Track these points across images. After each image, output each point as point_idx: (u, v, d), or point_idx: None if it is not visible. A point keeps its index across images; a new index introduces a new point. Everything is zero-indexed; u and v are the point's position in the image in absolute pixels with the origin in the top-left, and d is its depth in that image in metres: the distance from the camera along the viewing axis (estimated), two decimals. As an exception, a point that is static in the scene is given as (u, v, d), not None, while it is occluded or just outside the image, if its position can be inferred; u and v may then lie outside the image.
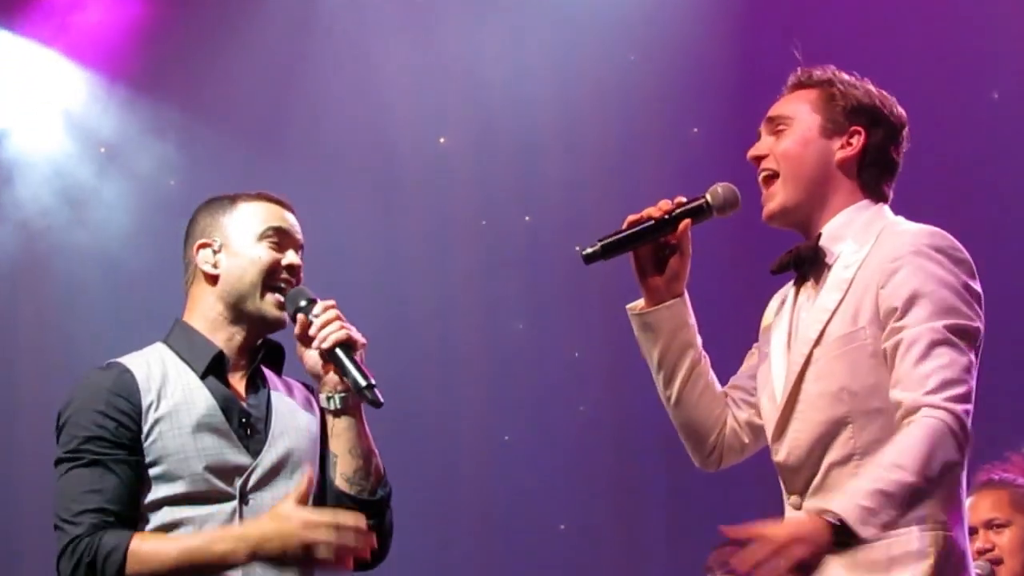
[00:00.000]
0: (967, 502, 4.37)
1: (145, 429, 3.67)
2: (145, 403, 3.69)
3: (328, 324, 3.72)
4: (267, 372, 3.87)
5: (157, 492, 3.68)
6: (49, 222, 8.86)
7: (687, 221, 3.65)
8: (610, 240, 3.66)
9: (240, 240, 3.83)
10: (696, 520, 8.02)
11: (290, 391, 3.92)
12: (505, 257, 8.71)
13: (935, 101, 7.29)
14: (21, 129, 9.03)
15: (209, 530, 3.66)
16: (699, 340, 3.74)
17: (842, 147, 3.56)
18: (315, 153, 8.91)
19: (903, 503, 3.21)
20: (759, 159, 3.65)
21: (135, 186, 8.85)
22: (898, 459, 3.23)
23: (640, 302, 3.75)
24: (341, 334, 3.72)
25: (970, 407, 3.30)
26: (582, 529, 8.59)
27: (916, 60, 7.84)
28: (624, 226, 3.68)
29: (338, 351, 3.71)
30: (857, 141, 3.56)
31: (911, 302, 3.35)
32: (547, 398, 8.35)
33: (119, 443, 3.66)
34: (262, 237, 3.82)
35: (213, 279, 3.83)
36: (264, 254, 3.80)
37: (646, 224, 3.65)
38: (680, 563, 7.94)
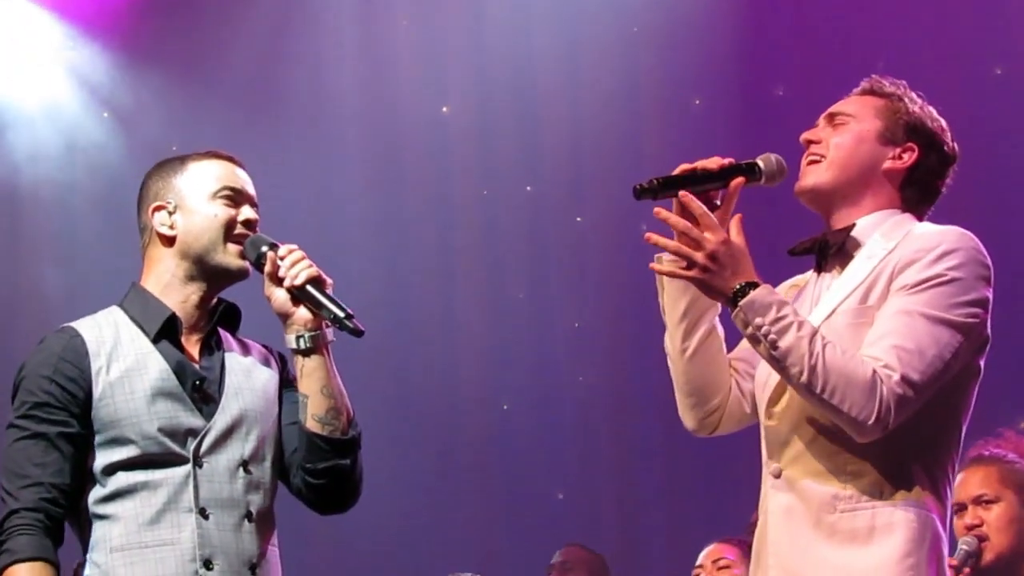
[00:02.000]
0: (958, 477, 4.46)
1: (96, 394, 3.72)
2: (94, 367, 3.73)
3: (298, 263, 3.76)
4: (223, 334, 3.90)
5: (111, 456, 3.73)
6: (48, 170, 9.04)
7: (741, 179, 3.69)
8: (667, 178, 3.63)
9: (195, 199, 3.85)
10: (694, 489, 8.11)
11: (246, 351, 3.95)
12: (506, 227, 8.77)
13: (942, 76, 7.38)
14: (28, 90, 9.22)
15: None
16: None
17: (893, 157, 3.66)
18: (317, 121, 8.98)
19: (783, 346, 3.34)
20: (811, 142, 3.73)
21: (138, 147, 8.91)
22: (824, 343, 3.35)
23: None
24: (312, 271, 3.75)
25: (911, 393, 3.37)
26: (580, 497, 8.68)
27: (927, 34, 7.98)
28: (677, 171, 3.69)
29: (310, 287, 3.74)
30: (908, 157, 3.67)
31: (915, 286, 3.45)
32: (547, 367, 8.44)
33: (65, 408, 3.70)
34: (216, 195, 3.85)
35: (170, 240, 3.85)
36: (220, 211, 3.83)
37: (698, 173, 3.67)
38: (678, 531, 8.02)
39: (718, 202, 3.66)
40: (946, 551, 3.54)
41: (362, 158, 8.91)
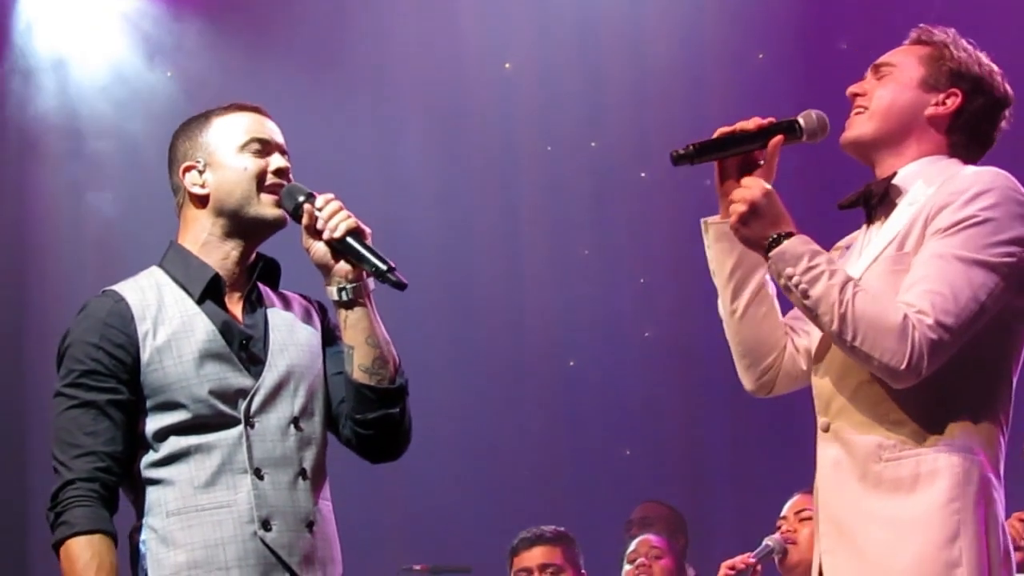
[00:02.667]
0: None
1: (144, 359, 3.72)
2: (141, 332, 3.73)
3: (336, 214, 3.73)
4: (264, 289, 3.90)
5: (162, 421, 3.74)
6: (109, 128, 9.35)
7: (779, 137, 3.72)
8: (703, 143, 3.67)
9: (223, 154, 3.82)
10: (760, 443, 8.15)
11: (288, 305, 3.94)
12: (571, 183, 8.82)
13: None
14: (96, 50, 9.45)
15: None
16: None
17: (936, 104, 3.68)
18: (380, 80, 9.03)
19: (813, 295, 3.43)
20: (856, 96, 3.77)
21: (201, 107, 8.87)
22: (855, 290, 3.42)
23: (718, 216, 3.84)
24: (351, 222, 3.72)
25: (947, 336, 3.41)
26: (647, 454, 8.75)
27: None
28: (715, 135, 3.73)
29: (350, 239, 3.71)
30: (952, 102, 3.68)
31: (948, 229, 3.47)
32: (612, 323, 8.49)
33: (114, 376, 3.71)
34: (244, 147, 3.81)
35: (203, 199, 3.83)
36: (250, 163, 3.80)
37: (737, 136, 3.71)
38: (744, 487, 8.06)
39: (761, 162, 3.70)
40: (999, 496, 3.55)
41: (426, 117, 8.97)
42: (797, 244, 3.48)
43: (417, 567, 7.41)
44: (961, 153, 3.71)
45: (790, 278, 3.46)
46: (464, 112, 9.08)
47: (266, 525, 3.67)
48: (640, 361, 8.72)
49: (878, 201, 3.67)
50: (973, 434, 3.51)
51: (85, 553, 3.64)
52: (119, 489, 3.71)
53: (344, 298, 3.74)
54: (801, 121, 3.70)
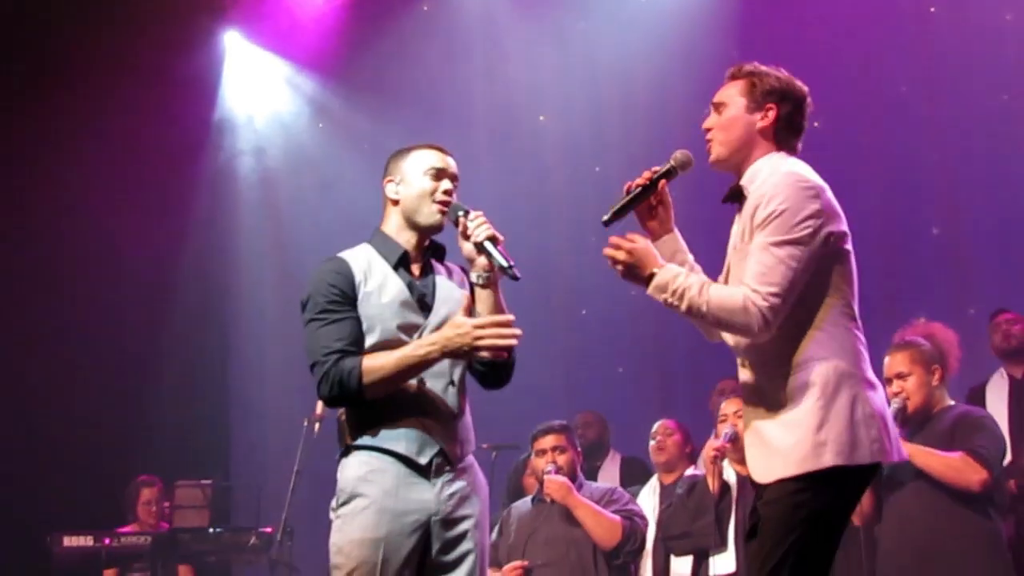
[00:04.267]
0: (885, 360, 5.88)
1: (359, 298, 4.29)
2: (357, 281, 4.30)
3: (480, 225, 4.25)
4: (434, 262, 4.48)
5: (365, 340, 4.30)
6: (279, 164, 11.00)
7: (663, 181, 4.16)
8: (618, 207, 4.11)
9: (411, 175, 4.42)
10: (714, 359, 6.90)
11: (450, 274, 4.48)
12: (586, 190, 9.86)
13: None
14: (263, 109, 11.34)
15: (409, 343, 4.27)
16: (691, 257, 4.30)
17: (762, 119, 4.06)
18: (459, 119, 10.46)
19: (683, 307, 3.88)
20: (707, 130, 4.13)
21: (345, 145, 10.75)
22: (708, 291, 3.86)
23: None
24: (489, 231, 4.23)
25: (776, 300, 3.79)
26: (633, 371, 10.10)
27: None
28: (624, 192, 4.13)
29: (487, 243, 4.24)
30: (771, 114, 4.06)
31: (761, 225, 3.89)
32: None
33: (347, 303, 4.29)
34: (425, 173, 4.39)
35: (396, 202, 4.43)
36: (427, 184, 4.38)
37: (636, 191, 4.13)
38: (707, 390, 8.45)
39: (656, 203, 4.21)
40: (860, 383, 3.89)
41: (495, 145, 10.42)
42: (663, 277, 3.90)
43: (484, 445, 7.61)
44: (786, 145, 4.09)
45: (666, 301, 3.91)
46: (514, 150, 10.38)
47: (425, 414, 4.31)
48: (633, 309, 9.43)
49: (736, 196, 4.06)
50: (830, 348, 3.89)
51: (372, 360, 4.24)
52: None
53: (479, 282, 4.33)
54: (673, 162, 4.17)
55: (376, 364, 4.20)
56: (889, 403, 5.17)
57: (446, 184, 4.39)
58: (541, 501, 7.01)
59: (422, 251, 4.47)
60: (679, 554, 6.99)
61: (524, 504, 7.21)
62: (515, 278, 4.22)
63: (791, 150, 4.11)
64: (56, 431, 9.88)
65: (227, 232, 11.16)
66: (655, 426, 7.62)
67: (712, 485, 6.62)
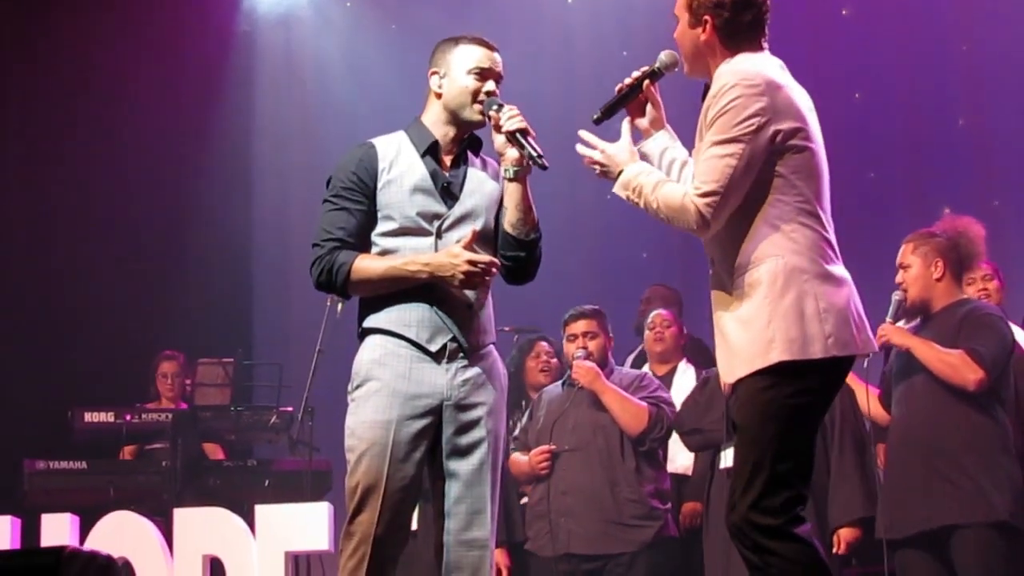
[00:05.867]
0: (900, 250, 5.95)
1: (379, 184, 4.39)
2: (380, 167, 4.41)
3: (513, 118, 4.35)
4: (471, 155, 4.56)
5: (384, 227, 4.41)
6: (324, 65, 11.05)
7: (647, 82, 4.27)
8: (607, 105, 4.23)
9: (456, 72, 4.49)
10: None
11: (484, 167, 4.56)
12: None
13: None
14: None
15: (405, 255, 4.38)
16: (683, 154, 4.32)
17: (703, 32, 4.11)
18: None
19: (642, 203, 4.02)
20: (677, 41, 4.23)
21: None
22: (661, 189, 3.98)
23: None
24: (521, 123, 4.35)
25: (714, 198, 3.89)
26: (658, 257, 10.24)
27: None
28: (616, 92, 4.24)
29: (518, 135, 4.35)
30: (708, 27, 4.10)
31: (709, 125, 3.98)
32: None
33: (362, 191, 4.39)
34: (471, 71, 4.47)
35: (438, 95, 4.52)
36: (471, 83, 4.47)
37: (624, 91, 4.25)
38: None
39: (647, 101, 4.31)
40: (811, 277, 3.93)
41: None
42: (627, 175, 4.04)
43: (507, 328, 8.03)
44: (746, 46, 4.10)
45: (628, 198, 4.05)
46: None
47: (441, 303, 4.43)
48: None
49: (704, 96, 4.06)
50: (781, 245, 3.94)
51: (363, 261, 4.38)
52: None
53: (509, 175, 4.45)
54: (658, 64, 4.29)
55: (364, 266, 4.33)
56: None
57: (490, 85, 4.47)
58: (571, 386, 7.10)
59: (458, 143, 4.55)
60: (692, 450, 7.08)
61: (555, 388, 7.29)
62: (544, 167, 4.30)
63: (755, 48, 4.12)
64: (79, 308, 9.96)
65: (251, 108, 11.24)
66: (651, 316, 7.76)
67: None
